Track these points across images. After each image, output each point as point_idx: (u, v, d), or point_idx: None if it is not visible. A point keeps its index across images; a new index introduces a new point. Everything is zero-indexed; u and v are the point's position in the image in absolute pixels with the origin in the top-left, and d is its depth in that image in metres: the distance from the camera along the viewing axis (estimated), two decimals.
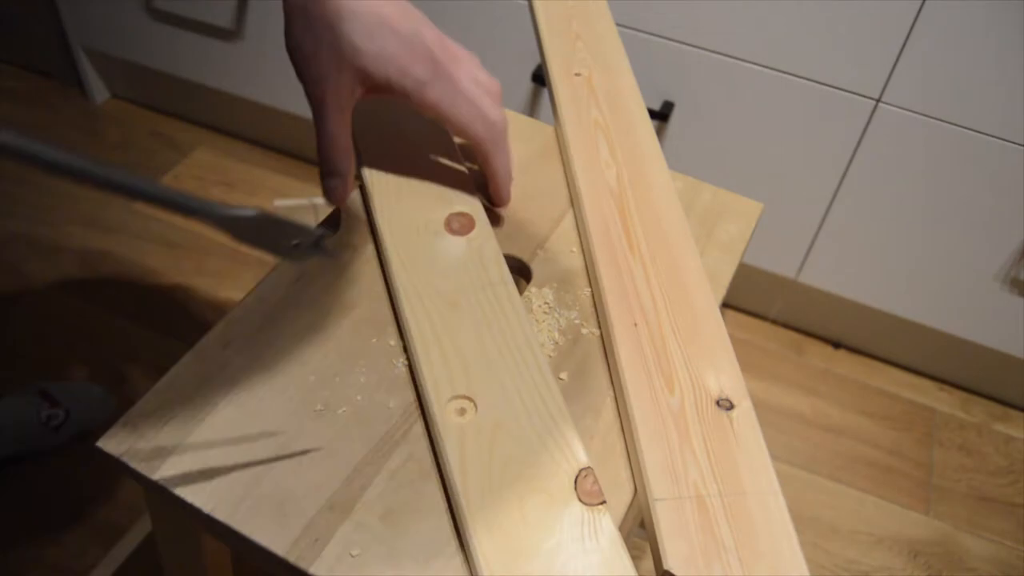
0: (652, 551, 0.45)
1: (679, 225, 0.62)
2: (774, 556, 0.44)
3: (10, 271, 1.28)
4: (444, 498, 0.47)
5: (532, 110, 1.23)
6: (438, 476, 0.48)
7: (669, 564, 0.43)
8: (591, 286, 0.59)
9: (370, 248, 0.61)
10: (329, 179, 0.55)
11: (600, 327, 0.57)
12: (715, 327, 0.55)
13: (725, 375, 0.53)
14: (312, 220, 0.62)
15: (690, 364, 0.53)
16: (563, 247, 0.62)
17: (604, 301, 0.56)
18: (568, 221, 0.64)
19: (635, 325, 0.54)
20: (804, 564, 0.44)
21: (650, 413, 0.50)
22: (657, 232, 0.61)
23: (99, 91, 1.61)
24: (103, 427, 0.49)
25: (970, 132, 1.01)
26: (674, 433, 0.49)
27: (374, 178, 0.60)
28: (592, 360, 0.55)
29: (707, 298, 0.57)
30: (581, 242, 0.62)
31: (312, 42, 0.52)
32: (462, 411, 0.48)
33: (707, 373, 0.53)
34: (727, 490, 0.47)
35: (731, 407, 0.51)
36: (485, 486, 0.45)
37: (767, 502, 0.46)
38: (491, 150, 0.56)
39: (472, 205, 0.59)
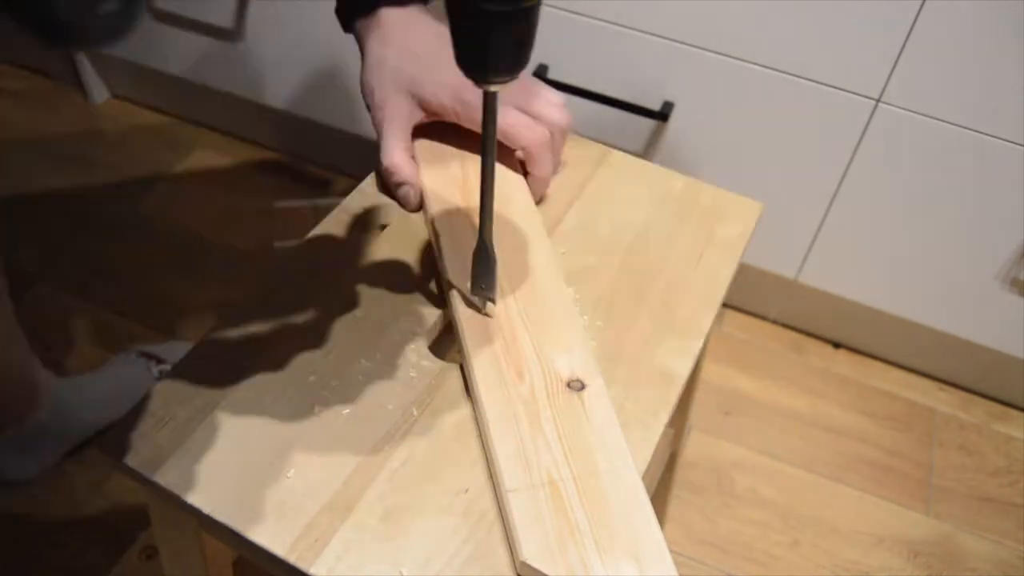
0: (509, 542, 0.45)
1: (526, 209, 0.62)
2: (629, 532, 0.45)
3: (10, 270, 1.28)
4: (444, 498, 0.47)
5: None
6: (438, 477, 0.48)
7: (524, 556, 0.43)
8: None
9: (370, 249, 0.61)
10: (400, 188, 0.61)
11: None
12: (564, 310, 0.55)
13: (576, 356, 0.53)
14: (312, 222, 0.63)
15: (540, 350, 0.53)
16: None
17: (444, 261, 0.57)
18: None
19: (483, 288, 0.54)
20: (660, 535, 0.45)
21: (500, 403, 0.50)
22: (502, 218, 0.61)
23: (99, 91, 1.60)
24: None
25: (970, 132, 1.01)
26: (524, 421, 0.49)
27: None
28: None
29: (554, 281, 0.57)
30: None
31: (378, 76, 0.61)
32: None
33: (558, 356, 0.53)
34: (580, 472, 0.47)
35: (582, 387, 0.51)
36: None
37: (621, 479, 0.47)
38: (532, 156, 0.62)
39: None
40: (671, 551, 1.14)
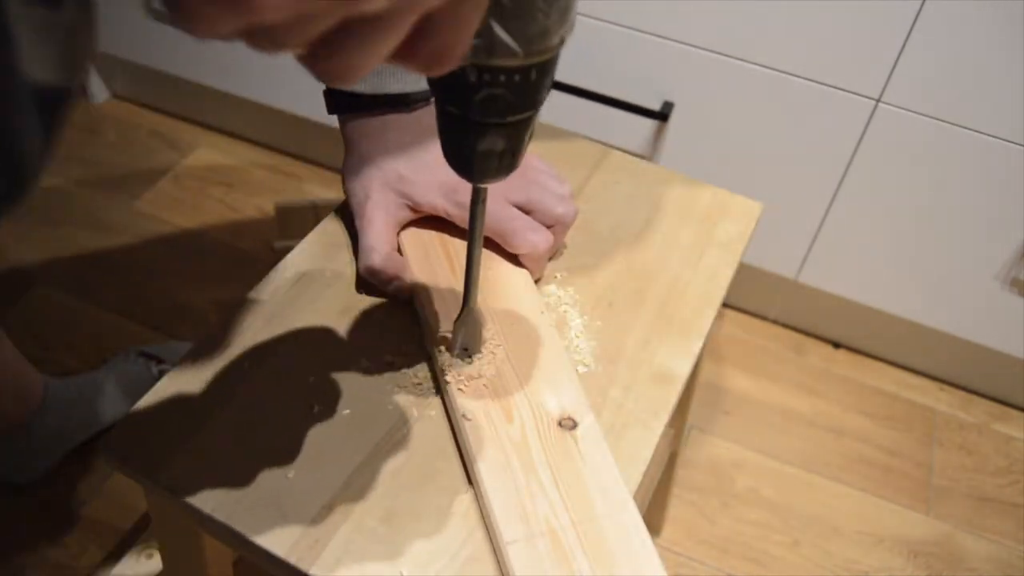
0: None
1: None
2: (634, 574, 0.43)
3: (10, 270, 1.28)
4: (444, 499, 0.47)
5: None
6: (438, 477, 0.48)
7: None
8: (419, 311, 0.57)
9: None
10: (391, 285, 0.56)
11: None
12: (550, 345, 0.53)
13: (565, 393, 0.51)
14: (313, 222, 0.62)
15: (528, 388, 0.51)
16: None
17: (429, 325, 0.54)
18: None
19: (466, 350, 0.52)
20: (664, 572, 0.44)
21: (491, 449, 0.48)
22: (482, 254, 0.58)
23: (99, 91, 1.60)
24: None
25: (970, 132, 1.01)
26: (518, 466, 0.47)
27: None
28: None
29: (539, 315, 0.55)
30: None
31: (362, 172, 0.57)
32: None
33: (547, 395, 0.50)
34: (579, 517, 0.45)
35: (574, 426, 0.49)
36: None
37: (621, 521, 0.45)
38: (533, 265, 0.59)
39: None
40: (671, 551, 1.14)
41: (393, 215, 0.57)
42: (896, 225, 1.13)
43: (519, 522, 0.45)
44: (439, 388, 0.52)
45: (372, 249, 0.56)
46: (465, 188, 0.56)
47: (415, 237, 0.59)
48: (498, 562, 0.45)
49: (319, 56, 0.28)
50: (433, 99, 0.39)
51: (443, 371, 0.51)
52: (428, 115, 0.58)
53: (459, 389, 0.50)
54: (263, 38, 0.27)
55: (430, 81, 0.38)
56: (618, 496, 0.46)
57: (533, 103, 0.38)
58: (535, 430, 0.49)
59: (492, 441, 0.48)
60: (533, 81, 0.37)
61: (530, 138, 0.41)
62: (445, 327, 0.53)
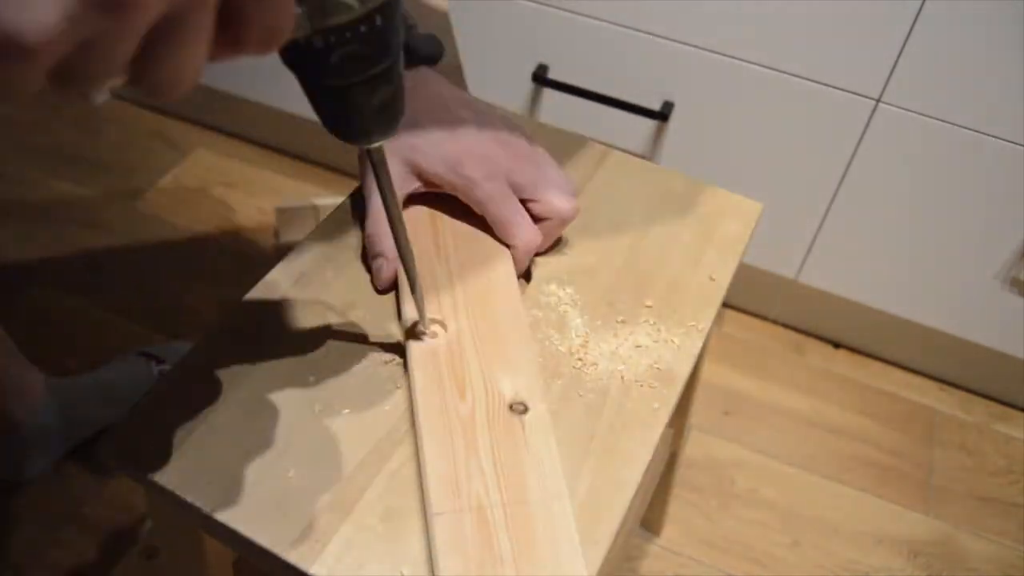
0: (431, 567, 0.44)
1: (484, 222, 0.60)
2: (553, 563, 0.43)
3: (10, 270, 1.28)
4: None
5: (532, 110, 1.23)
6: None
7: None
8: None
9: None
10: (375, 260, 0.57)
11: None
12: (517, 332, 0.54)
13: (521, 377, 0.51)
14: (313, 222, 0.62)
15: (486, 369, 0.51)
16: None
17: (401, 301, 0.55)
18: None
19: (431, 323, 0.53)
20: (583, 568, 0.43)
21: (437, 423, 0.48)
22: (461, 234, 0.59)
23: (99, 91, 1.60)
24: None
25: (970, 132, 1.01)
26: (461, 443, 0.47)
27: None
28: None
29: (511, 301, 0.55)
30: None
31: None
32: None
33: (502, 377, 0.51)
34: (510, 499, 0.45)
35: (525, 411, 0.49)
36: None
37: (551, 509, 0.45)
38: (519, 258, 0.59)
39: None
40: (671, 551, 1.14)
41: (398, 184, 0.57)
42: (896, 225, 1.13)
43: (451, 495, 0.45)
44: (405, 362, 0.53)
45: (368, 218, 0.57)
46: (470, 160, 0.56)
47: (408, 215, 0.59)
48: (426, 532, 0.45)
49: (138, 75, 0.28)
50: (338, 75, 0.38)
51: (405, 342, 0.52)
52: (428, 81, 0.59)
53: (418, 361, 0.51)
54: (63, 80, 0.26)
55: (284, 59, 0.37)
56: (554, 486, 0.46)
57: (388, 49, 0.37)
58: (485, 409, 0.49)
59: (440, 414, 0.49)
60: (380, 27, 0.36)
61: (401, 86, 0.40)
62: (413, 313, 0.53)
